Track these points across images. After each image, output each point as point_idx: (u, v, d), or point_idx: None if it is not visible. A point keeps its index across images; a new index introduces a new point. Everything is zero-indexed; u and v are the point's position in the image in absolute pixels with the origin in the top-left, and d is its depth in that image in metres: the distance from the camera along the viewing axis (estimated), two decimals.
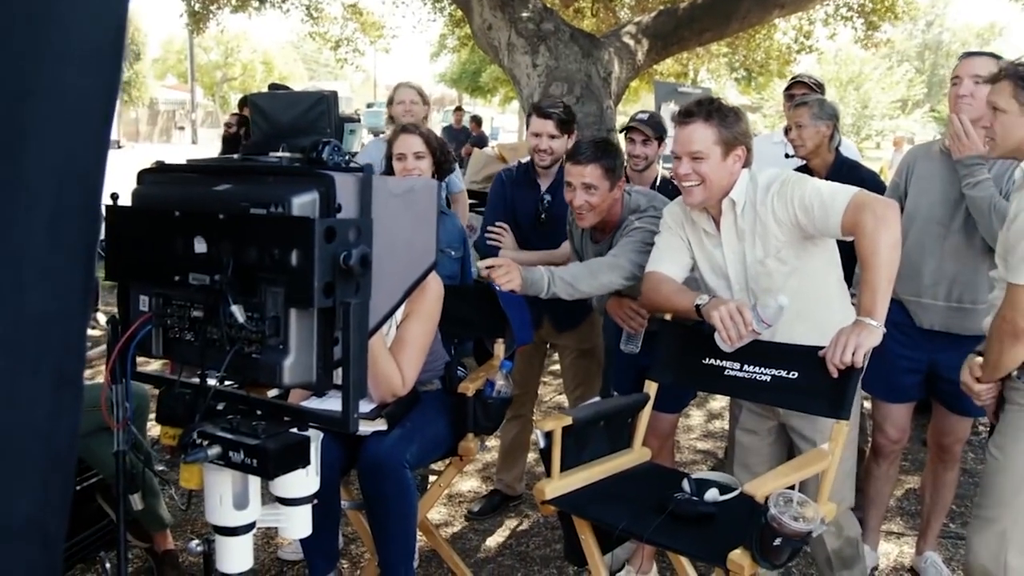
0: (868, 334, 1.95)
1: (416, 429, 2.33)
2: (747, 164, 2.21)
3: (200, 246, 1.40)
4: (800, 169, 2.92)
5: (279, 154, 1.54)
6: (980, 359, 2.05)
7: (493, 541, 3.12)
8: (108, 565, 2.56)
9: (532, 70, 6.43)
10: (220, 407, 1.49)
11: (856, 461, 2.43)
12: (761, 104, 28.28)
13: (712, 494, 2.16)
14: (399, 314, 2.31)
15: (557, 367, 4.20)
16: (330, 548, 2.41)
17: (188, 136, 34.84)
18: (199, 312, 1.43)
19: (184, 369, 1.54)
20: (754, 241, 2.17)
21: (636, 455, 2.43)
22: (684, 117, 2.19)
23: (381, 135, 6.06)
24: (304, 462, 1.47)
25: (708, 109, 2.16)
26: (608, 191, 2.56)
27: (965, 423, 2.76)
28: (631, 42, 7.01)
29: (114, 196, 1.51)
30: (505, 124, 31.26)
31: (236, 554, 1.52)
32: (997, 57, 2.52)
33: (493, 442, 3.66)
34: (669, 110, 7.65)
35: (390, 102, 3.92)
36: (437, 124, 15.78)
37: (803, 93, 3.52)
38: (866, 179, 2.92)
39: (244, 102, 6.15)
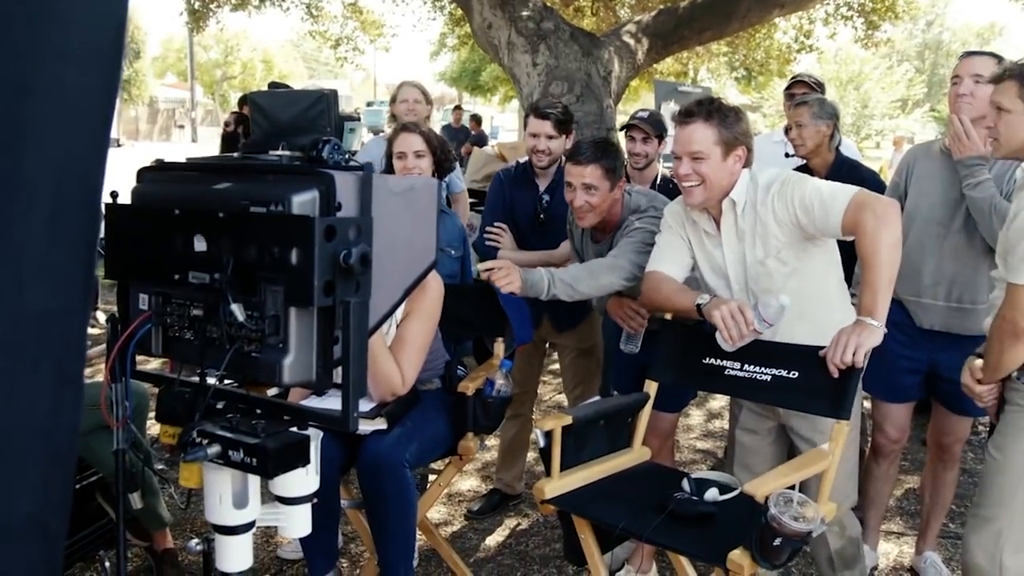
0: (869, 334, 1.95)
1: (416, 428, 2.33)
2: (748, 164, 2.20)
3: (200, 244, 1.40)
4: (800, 169, 2.92)
5: (279, 152, 1.54)
6: (980, 361, 2.05)
7: (493, 540, 3.12)
8: (107, 564, 2.56)
9: (532, 69, 6.43)
10: (220, 406, 1.49)
11: (857, 461, 2.43)
12: (761, 103, 28.27)
13: (712, 494, 2.16)
14: (399, 313, 2.31)
15: (557, 366, 4.20)
16: (330, 547, 2.41)
17: (188, 134, 34.82)
18: (199, 311, 1.43)
19: (184, 368, 1.54)
20: (754, 241, 2.17)
21: (636, 454, 2.43)
22: (684, 117, 2.18)
23: (381, 133, 6.06)
24: (304, 461, 1.47)
25: (708, 109, 2.15)
26: (608, 191, 2.56)
27: (965, 423, 2.76)
28: (631, 41, 7.01)
29: (114, 194, 1.50)
30: (505, 123, 31.21)
31: (236, 553, 1.52)
32: (998, 57, 2.52)
33: (493, 441, 3.66)
34: (669, 109, 7.64)
35: (393, 100, 3.91)
36: (437, 123, 15.76)
37: (803, 92, 3.52)
38: (866, 178, 2.92)
39: (244, 100, 6.16)
